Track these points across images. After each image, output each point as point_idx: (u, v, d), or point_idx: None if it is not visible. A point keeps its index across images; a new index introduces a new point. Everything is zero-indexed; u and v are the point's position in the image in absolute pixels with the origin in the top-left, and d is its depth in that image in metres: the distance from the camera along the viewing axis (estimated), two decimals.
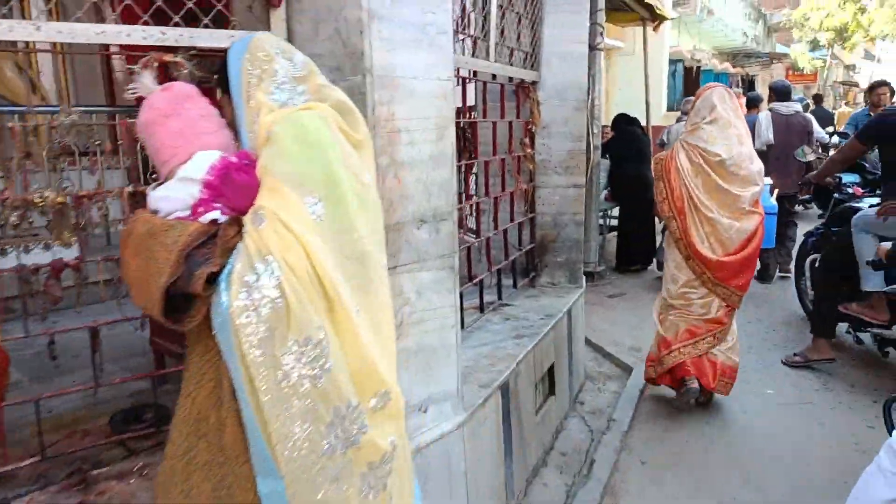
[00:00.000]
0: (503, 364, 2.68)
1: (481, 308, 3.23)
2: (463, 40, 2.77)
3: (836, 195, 4.96)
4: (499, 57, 3.12)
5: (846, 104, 22.18)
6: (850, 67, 29.23)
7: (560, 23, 3.61)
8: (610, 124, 7.30)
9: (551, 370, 3.31)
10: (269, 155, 1.19)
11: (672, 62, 13.82)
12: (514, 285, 3.67)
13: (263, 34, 1.37)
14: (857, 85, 26.33)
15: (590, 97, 6.16)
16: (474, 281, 3.03)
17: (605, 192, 7.12)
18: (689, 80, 14.52)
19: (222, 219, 1.19)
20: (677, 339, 3.46)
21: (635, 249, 6.81)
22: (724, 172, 3.27)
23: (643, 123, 7.41)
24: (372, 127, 1.77)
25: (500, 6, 3.04)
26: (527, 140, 3.63)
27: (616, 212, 7.22)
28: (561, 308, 3.48)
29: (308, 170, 1.18)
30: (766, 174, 5.39)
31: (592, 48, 5.99)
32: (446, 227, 2.05)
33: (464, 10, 2.66)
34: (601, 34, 5.97)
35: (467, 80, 2.85)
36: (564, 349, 3.52)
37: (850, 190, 4.92)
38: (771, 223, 5.82)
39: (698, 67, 14.95)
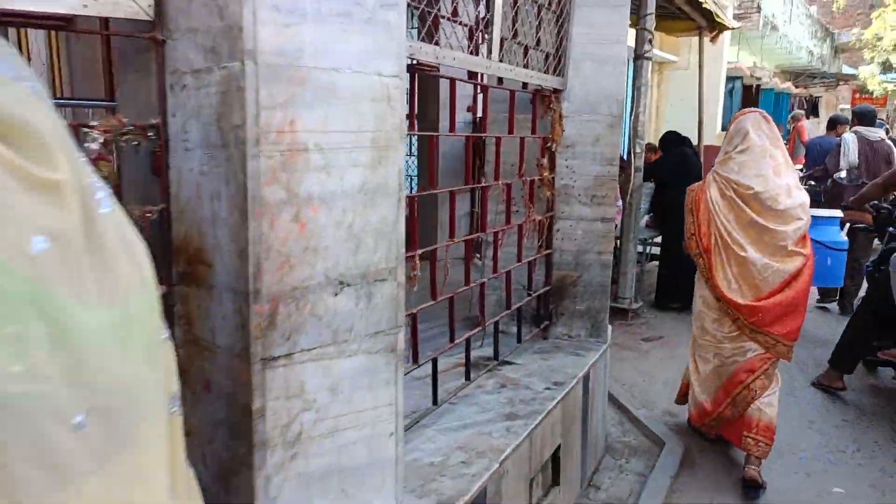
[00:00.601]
0: (483, 462, 2.00)
1: (467, 374, 2.54)
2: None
3: (890, 229, 4.35)
4: (509, 55, 2.46)
5: None
6: None
7: (593, 19, 2.92)
8: (657, 143, 6.54)
9: (556, 453, 2.62)
10: None
11: (730, 79, 12.88)
12: (519, 339, 2.98)
13: None
14: None
15: (634, 112, 5.46)
16: (456, 341, 2.35)
17: (647, 217, 6.37)
18: (747, 98, 13.52)
19: None
20: (714, 403, 3.20)
21: (679, 284, 6.00)
22: (759, 207, 2.94)
23: (695, 143, 6.63)
24: (254, 142, 1.14)
25: None
26: (544, 161, 2.94)
27: (658, 240, 6.46)
28: (576, 372, 2.78)
29: None
30: (843, 204, 4.65)
31: (640, 57, 5.32)
32: (385, 290, 1.40)
33: None
34: (650, 41, 5.27)
35: (456, 84, 2.16)
36: (577, 425, 2.82)
37: None
38: (840, 259, 5.09)
39: (758, 86, 13.97)
